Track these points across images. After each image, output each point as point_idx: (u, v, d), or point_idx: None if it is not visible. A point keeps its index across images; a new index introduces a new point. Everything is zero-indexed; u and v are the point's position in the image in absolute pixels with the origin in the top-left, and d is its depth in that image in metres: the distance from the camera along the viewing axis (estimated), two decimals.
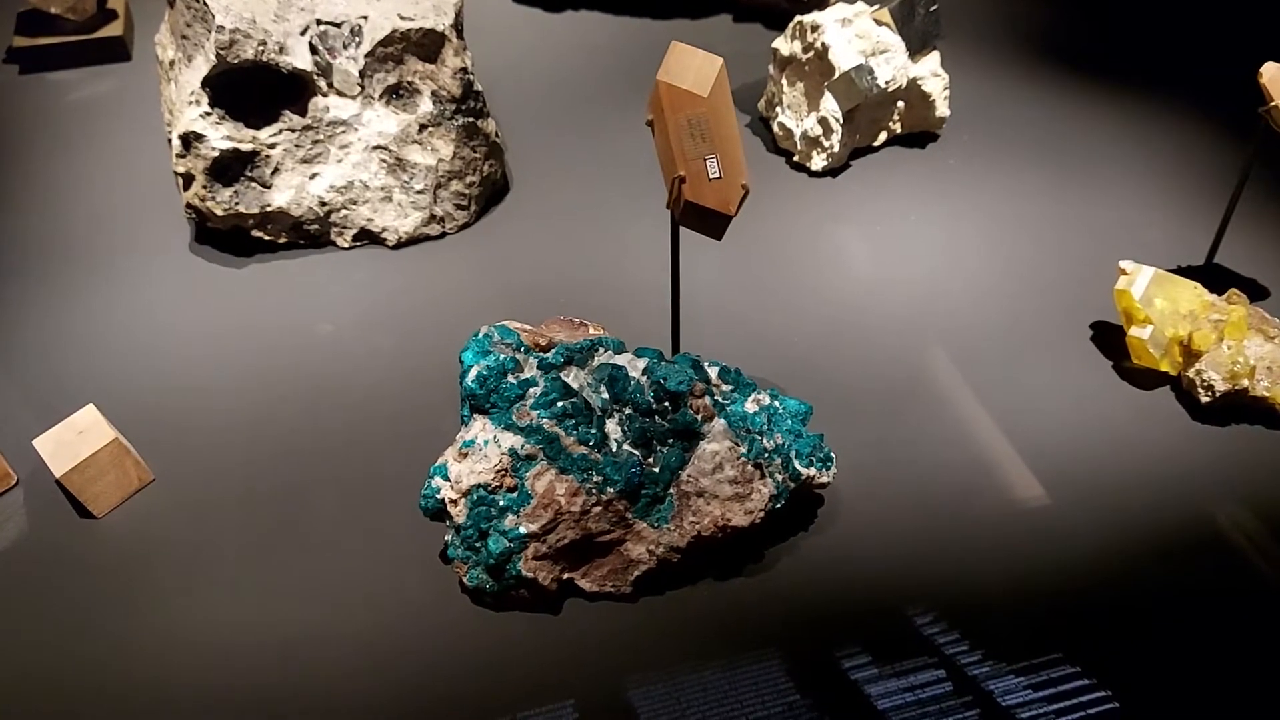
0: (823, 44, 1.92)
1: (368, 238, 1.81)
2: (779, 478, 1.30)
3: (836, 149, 1.96)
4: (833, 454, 1.37)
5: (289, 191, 1.74)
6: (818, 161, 1.98)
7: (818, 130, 1.96)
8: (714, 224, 1.23)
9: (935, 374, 1.65)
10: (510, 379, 1.24)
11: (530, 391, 1.24)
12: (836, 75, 1.90)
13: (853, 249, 1.87)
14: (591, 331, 1.34)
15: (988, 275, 1.82)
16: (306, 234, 1.79)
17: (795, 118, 2.00)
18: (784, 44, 2.00)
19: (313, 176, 1.75)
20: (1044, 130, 2.10)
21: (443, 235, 1.84)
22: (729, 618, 1.32)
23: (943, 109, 2.03)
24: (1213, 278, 1.78)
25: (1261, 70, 1.53)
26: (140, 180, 1.96)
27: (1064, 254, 1.85)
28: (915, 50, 1.98)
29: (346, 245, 1.80)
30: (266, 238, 1.78)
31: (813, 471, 1.33)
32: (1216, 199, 1.93)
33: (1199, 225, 1.89)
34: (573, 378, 1.27)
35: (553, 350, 1.27)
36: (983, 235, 1.90)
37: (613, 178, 2.01)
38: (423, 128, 1.78)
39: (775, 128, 2.03)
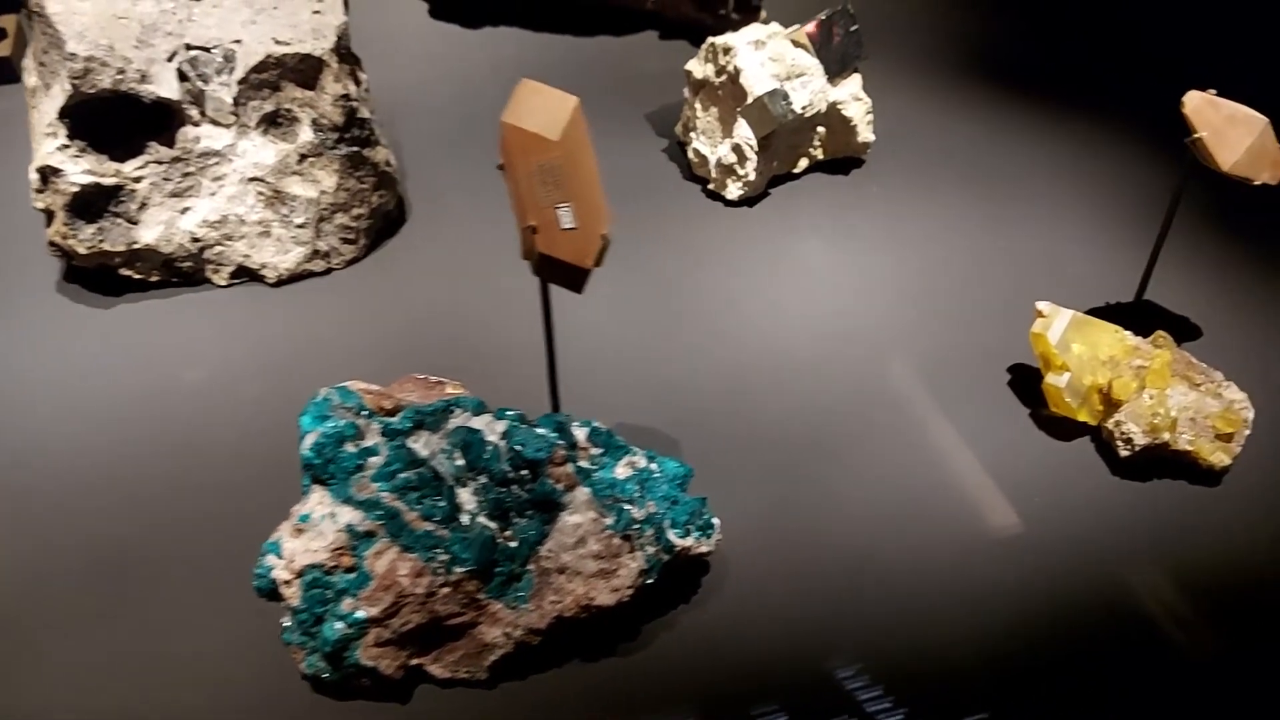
0: (735, 67, 1.81)
1: (246, 275, 1.70)
2: (650, 550, 1.19)
3: (752, 177, 1.86)
4: (714, 520, 1.27)
5: (157, 228, 1.63)
6: (733, 190, 1.88)
7: (732, 158, 1.85)
8: (571, 277, 1.12)
9: (842, 424, 1.54)
10: (349, 447, 1.13)
11: (371, 461, 1.13)
12: (749, 100, 1.80)
13: (764, 286, 1.76)
14: (449, 391, 1.23)
15: (904, 313, 1.72)
16: (179, 272, 1.67)
17: (710, 144, 1.90)
18: (697, 66, 1.89)
19: (183, 211, 1.64)
20: (973, 154, 2.00)
21: (328, 271, 1.73)
22: (598, 702, 1.21)
23: (866, 134, 1.93)
24: (1142, 316, 1.69)
25: (1184, 100, 1.44)
26: (10, 212, 1.85)
27: (986, 290, 1.75)
28: (835, 73, 1.87)
29: (224, 283, 1.69)
30: (137, 276, 1.66)
31: (689, 541, 1.22)
32: (1150, 230, 1.82)
33: (1131, 259, 1.79)
34: (422, 444, 1.16)
35: (400, 414, 1.17)
36: (902, 269, 1.79)
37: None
38: (303, 158, 1.66)
39: (690, 154, 1.93)
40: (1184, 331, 1.65)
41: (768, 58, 1.82)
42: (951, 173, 1.97)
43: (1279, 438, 1.50)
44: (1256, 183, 1.43)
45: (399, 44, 2.29)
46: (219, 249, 1.67)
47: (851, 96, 1.89)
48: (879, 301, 1.73)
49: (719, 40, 1.84)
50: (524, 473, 1.15)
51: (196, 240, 1.65)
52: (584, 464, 1.19)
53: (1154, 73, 2.19)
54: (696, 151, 1.91)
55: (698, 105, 1.91)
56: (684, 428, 1.51)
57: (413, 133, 2.03)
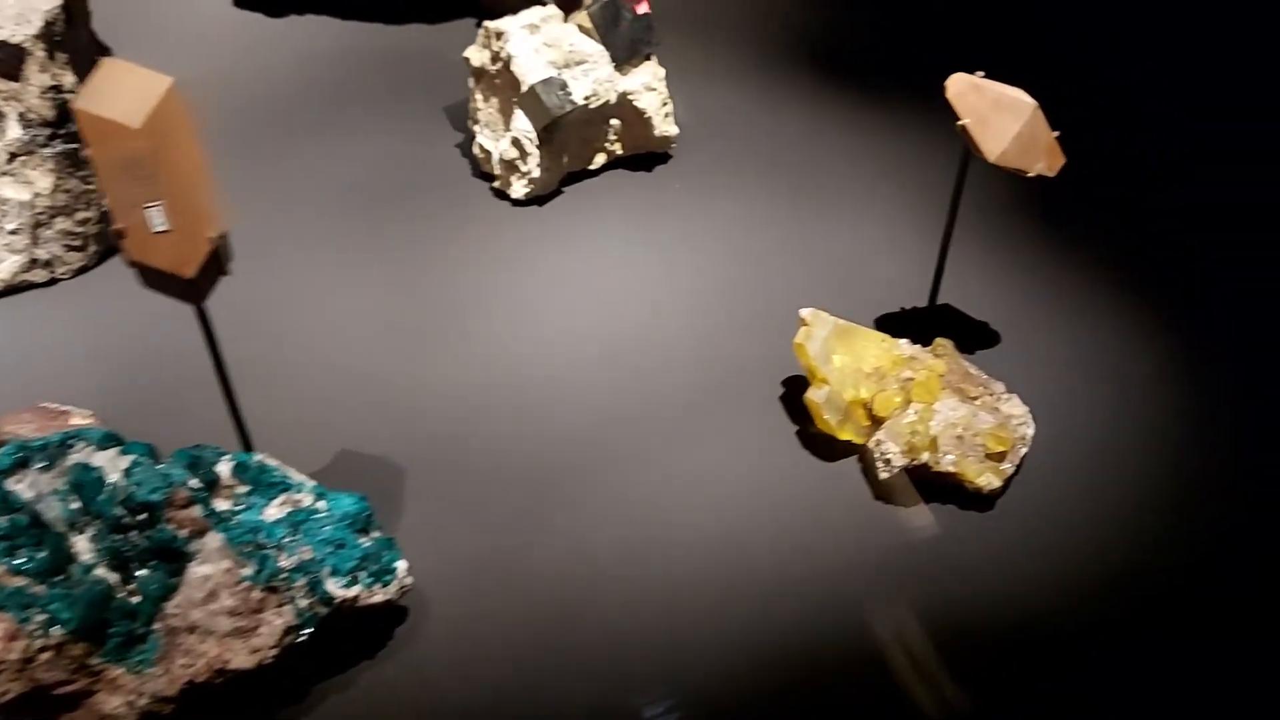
0: (508, 54, 1.67)
1: None
2: (303, 603, 1.05)
3: (537, 174, 1.71)
4: (400, 563, 1.12)
5: None
6: (518, 188, 1.73)
7: (513, 153, 1.71)
8: (180, 287, 0.98)
9: (591, 448, 1.40)
10: None
11: None
12: (524, 90, 1.65)
13: (538, 294, 1.61)
14: (74, 421, 1.08)
15: (688, 323, 1.57)
16: None
17: (493, 137, 1.75)
18: (475, 53, 1.75)
19: None
20: (787, 148, 1.85)
21: (52, 282, 1.57)
22: None
23: (666, 127, 1.78)
24: (938, 321, 1.55)
25: (947, 83, 1.30)
26: None
27: (781, 295, 1.60)
28: (623, 60, 1.73)
29: None
30: None
31: (356, 591, 1.08)
32: (964, 226, 1.70)
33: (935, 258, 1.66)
34: (27, 484, 1.01)
35: (0, 450, 1.02)
36: (693, 274, 1.64)
37: (295, 210, 1.75)
38: (13, 156, 1.51)
39: (475, 149, 1.78)
40: (979, 337, 1.52)
41: (543, 43, 1.67)
42: (761, 168, 1.82)
43: (1061, 455, 1.36)
44: (1030, 174, 1.29)
45: (198, 34, 2.13)
46: None
47: (644, 87, 1.75)
48: (663, 310, 1.59)
49: (492, 24, 1.69)
50: (141, 517, 1.00)
51: None
52: (223, 505, 1.04)
53: (986, 60, 2.04)
54: (481, 146, 1.76)
55: (479, 95, 1.76)
56: (412, 456, 1.36)
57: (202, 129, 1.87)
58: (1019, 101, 1.26)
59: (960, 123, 1.28)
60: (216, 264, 0.98)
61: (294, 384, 1.45)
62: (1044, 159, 1.28)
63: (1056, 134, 1.30)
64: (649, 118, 1.76)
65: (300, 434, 1.33)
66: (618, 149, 1.80)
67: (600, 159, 1.80)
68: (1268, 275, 1.63)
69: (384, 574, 1.10)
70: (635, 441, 1.41)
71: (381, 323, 1.55)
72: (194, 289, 0.98)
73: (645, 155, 1.84)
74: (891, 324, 1.55)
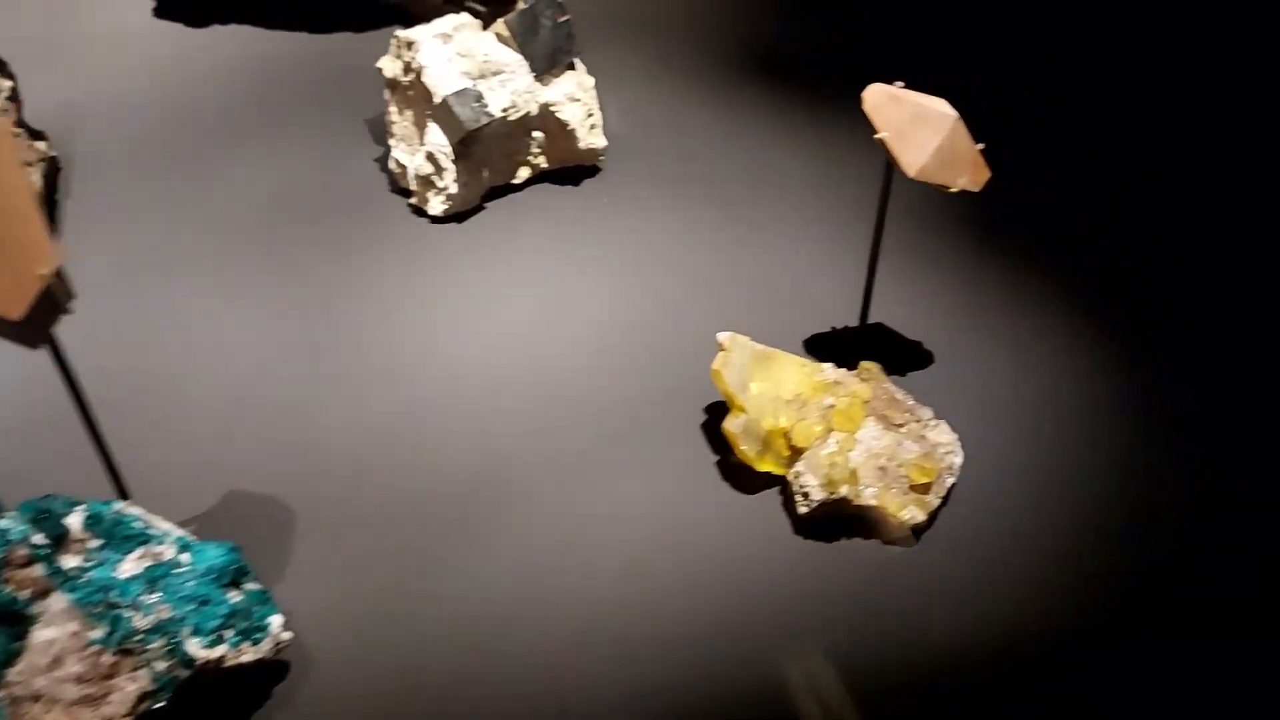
0: (419, 64, 1.59)
1: None
2: (160, 666, 0.97)
3: (454, 189, 1.63)
4: (273, 618, 1.05)
5: None
6: (435, 204, 1.65)
7: (428, 168, 1.63)
8: (14, 330, 0.90)
9: (499, 484, 1.32)
10: None
11: None
12: (437, 102, 1.58)
13: (452, 317, 1.53)
14: None
15: (611, 344, 1.50)
16: None
17: (409, 152, 1.68)
18: (388, 64, 1.67)
19: None
20: (721, 160, 1.77)
21: None
22: None
23: (592, 139, 1.71)
24: (869, 342, 1.48)
25: (864, 95, 1.23)
26: None
27: (708, 315, 1.52)
28: (543, 70, 1.65)
29: None
30: None
31: (221, 651, 1.00)
32: (898, 242, 1.63)
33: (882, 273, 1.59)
34: None
35: None
36: (617, 293, 1.57)
37: (200, 230, 1.67)
38: None
39: (392, 164, 1.71)
40: (912, 358, 1.45)
41: (456, 53, 1.59)
42: (694, 181, 1.74)
43: (992, 485, 1.29)
44: (953, 190, 1.22)
45: (117, 45, 2.05)
46: None
47: (567, 97, 1.67)
48: (582, 332, 1.51)
49: (403, 33, 1.62)
50: None
51: None
52: (71, 561, 0.96)
53: (929, 66, 1.98)
54: (397, 160, 1.69)
55: (393, 108, 1.68)
56: (307, 495, 1.28)
57: (111, 144, 1.79)
58: (939, 114, 1.19)
59: (878, 136, 1.21)
60: (53, 303, 0.91)
61: (180, 421, 1.37)
62: (967, 173, 1.21)
63: (981, 146, 1.23)
64: (573, 130, 1.68)
65: (183, 476, 1.25)
66: (542, 162, 1.72)
67: (524, 173, 1.72)
68: (1213, 296, 1.56)
69: (254, 631, 1.02)
70: (546, 475, 1.33)
71: (279, 350, 1.47)
72: (28, 331, 0.90)
73: (573, 168, 1.77)
74: (821, 345, 1.48)
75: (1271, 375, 1.45)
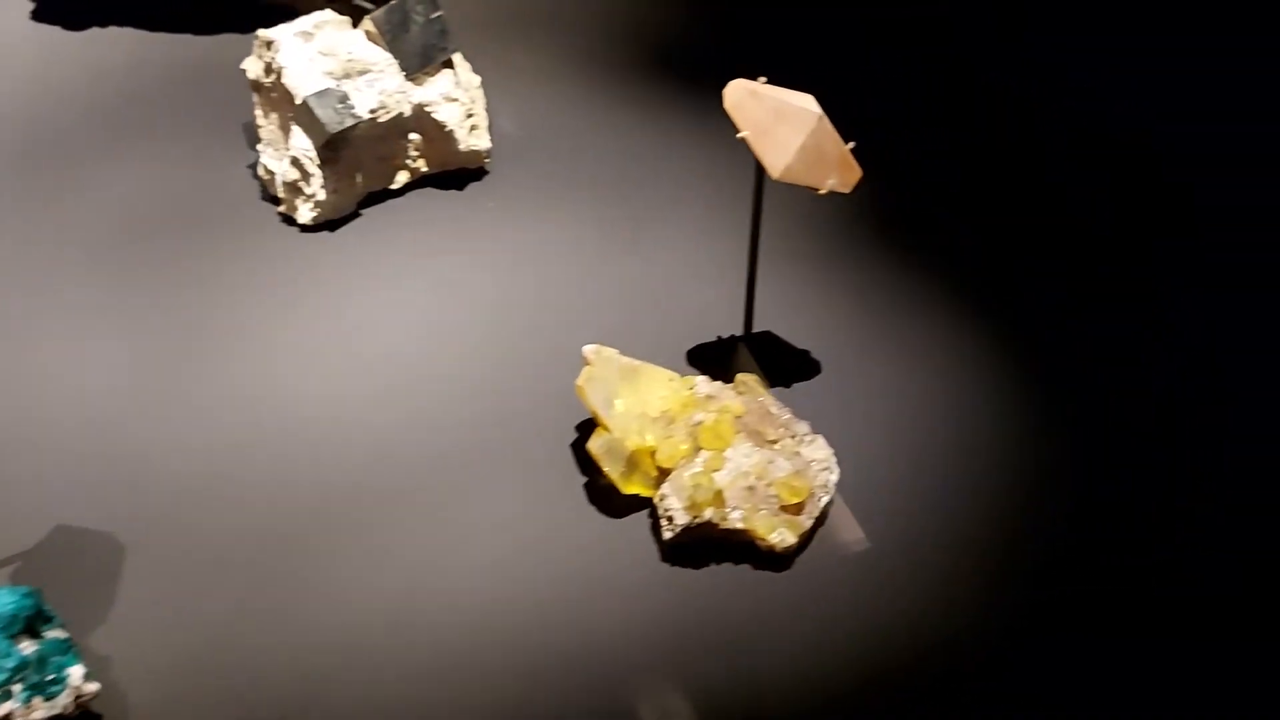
0: (279, 65, 1.51)
1: None
2: None
3: (322, 196, 1.54)
4: (72, 669, 0.96)
5: None
6: (304, 213, 1.56)
7: (294, 174, 1.54)
8: None
9: (357, 506, 1.24)
10: None
11: None
12: (298, 104, 1.49)
13: (311, 330, 1.44)
14: None
15: (483, 358, 1.41)
16: None
17: (275, 157, 1.59)
18: (251, 64, 1.58)
19: None
20: (610, 160, 1.68)
21: None
22: None
23: (474, 141, 1.62)
24: (755, 352, 1.40)
25: (724, 92, 1.16)
26: None
27: (588, 325, 1.43)
28: (416, 68, 1.57)
29: None
30: None
31: (9, 707, 0.91)
32: (798, 247, 1.56)
33: (765, 281, 1.50)
34: None
35: None
36: (494, 303, 1.48)
37: (56, 242, 1.57)
38: None
39: (260, 170, 1.62)
40: (799, 368, 1.37)
41: (318, 52, 1.50)
42: (582, 184, 1.65)
43: (870, 503, 1.22)
44: (822, 191, 1.15)
45: None
46: None
47: (443, 97, 1.59)
48: (453, 345, 1.43)
49: (264, 33, 1.53)
50: None
51: None
52: None
53: (822, 59, 1.90)
54: (265, 167, 1.60)
55: (259, 112, 1.60)
56: (139, 529, 1.19)
57: None
58: (802, 110, 1.12)
59: (740, 135, 1.14)
60: None
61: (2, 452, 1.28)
62: (835, 173, 1.14)
63: (851, 145, 1.16)
64: (451, 131, 1.60)
65: (2, 512, 1.17)
66: (422, 166, 1.64)
67: (403, 177, 1.63)
68: (1105, 304, 1.48)
69: (49, 684, 0.93)
70: (403, 499, 1.25)
71: (123, 373, 1.38)
72: None
73: (457, 172, 1.68)
74: (705, 356, 1.40)
75: (1155, 380, 1.38)
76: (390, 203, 1.65)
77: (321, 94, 1.47)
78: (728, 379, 1.28)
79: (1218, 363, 1.42)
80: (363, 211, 1.63)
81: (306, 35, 1.50)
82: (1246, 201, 1.62)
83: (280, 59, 1.49)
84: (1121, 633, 1.14)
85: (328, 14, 1.54)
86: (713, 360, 1.40)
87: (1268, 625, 1.16)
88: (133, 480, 1.24)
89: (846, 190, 1.15)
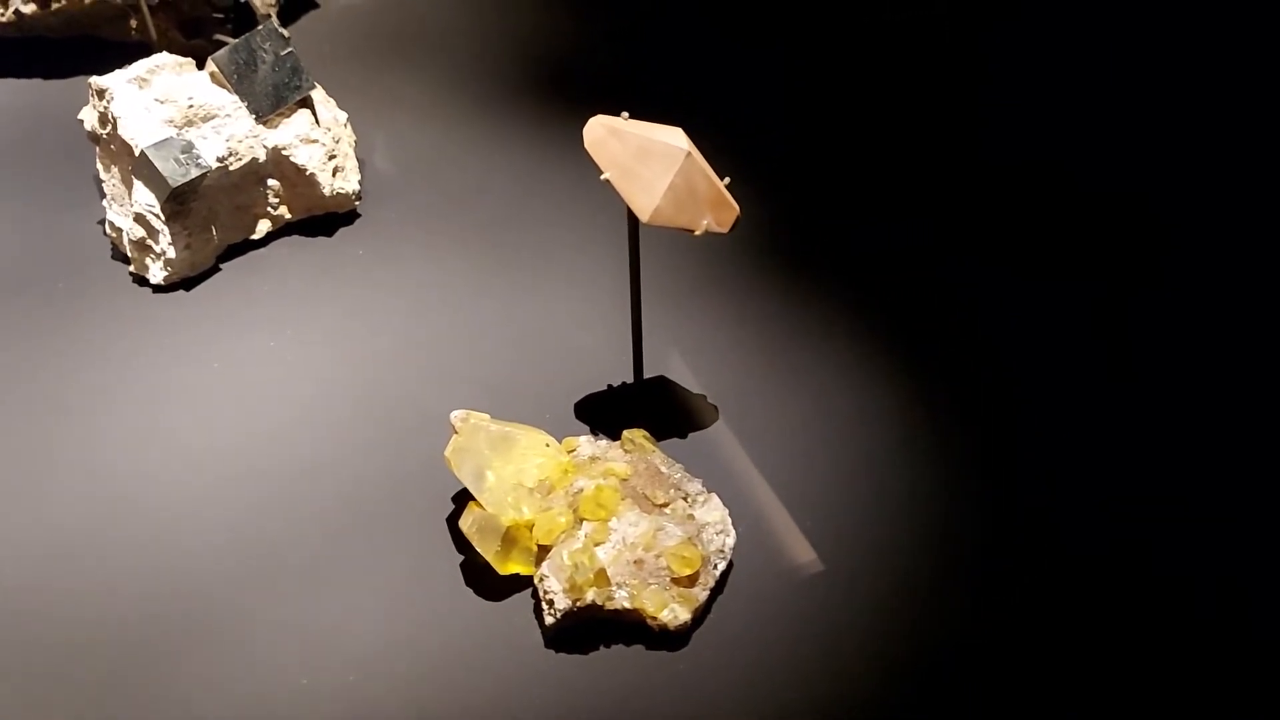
0: (114, 114, 1.38)
1: None
2: None
3: (173, 254, 1.41)
4: None
5: None
6: (155, 272, 1.43)
7: (140, 231, 1.42)
8: None
9: (209, 599, 1.11)
10: None
11: None
12: (136, 155, 1.37)
13: (158, 402, 1.31)
14: None
15: (347, 426, 1.29)
16: None
17: (121, 214, 1.46)
18: (88, 114, 1.45)
19: None
20: (493, 198, 1.57)
21: None
22: None
23: (339, 184, 1.50)
24: (646, 400, 1.30)
25: (585, 130, 1.06)
26: None
27: (467, 382, 1.33)
28: (268, 110, 1.45)
29: None
30: None
31: None
32: (684, 281, 1.46)
33: (662, 324, 1.40)
34: None
35: None
36: (361, 362, 1.37)
37: None
38: None
39: (108, 227, 1.49)
40: (690, 416, 1.27)
41: (154, 99, 1.38)
42: (463, 225, 1.53)
43: (774, 566, 1.12)
44: (698, 233, 1.06)
45: None
46: None
47: (300, 139, 1.46)
48: (315, 413, 1.30)
49: (96, 80, 1.40)
50: None
51: None
52: None
53: (715, 90, 1.81)
54: (111, 224, 1.47)
55: (99, 165, 1.46)
56: None
57: None
58: (669, 147, 1.02)
59: (603, 177, 1.04)
60: None
61: None
62: (709, 213, 1.04)
63: (726, 180, 1.07)
64: (312, 175, 1.48)
65: None
66: (285, 213, 1.51)
67: (264, 226, 1.51)
68: (1029, 329, 1.39)
69: None
70: (261, 590, 1.13)
71: None
72: None
73: (325, 217, 1.56)
74: (594, 408, 1.30)
75: (1071, 416, 1.28)
76: (253, 254, 1.52)
77: (161, 144, 1.35)
78: (618, 433, 1.18)
79: (1132, 367, 1.34)
80: (222, 266, 1.50)
81: (142, 81, 1.37)
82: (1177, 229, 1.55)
83: (115, 108, 1.36)
84: (1037, 684, 1.06)
85: (165, 57, 1.41)
86: (603, 411, 1.30)
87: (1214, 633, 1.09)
88: None
89: (724, 230, 1.06)
